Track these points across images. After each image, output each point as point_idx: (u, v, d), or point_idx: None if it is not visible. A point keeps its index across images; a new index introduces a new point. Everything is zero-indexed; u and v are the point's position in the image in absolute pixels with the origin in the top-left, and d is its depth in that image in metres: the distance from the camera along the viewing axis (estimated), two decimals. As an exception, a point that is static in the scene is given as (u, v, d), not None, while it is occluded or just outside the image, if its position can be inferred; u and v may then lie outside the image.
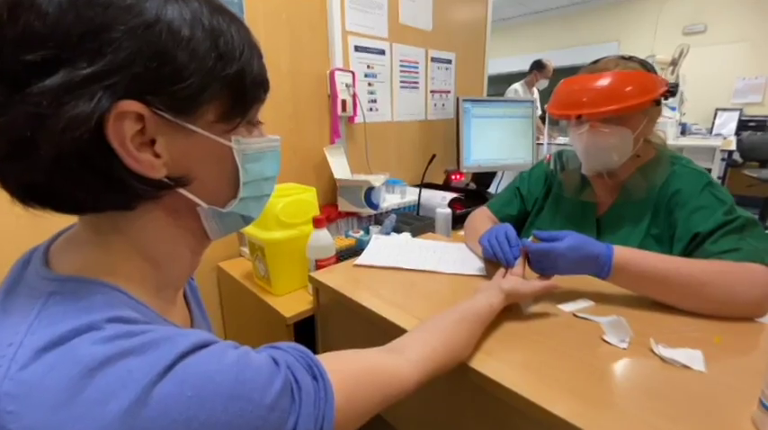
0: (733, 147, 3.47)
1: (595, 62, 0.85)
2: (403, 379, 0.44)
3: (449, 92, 1.94)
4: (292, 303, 0.93)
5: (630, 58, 0.82)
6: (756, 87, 4.21)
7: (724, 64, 4.34)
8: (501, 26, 6.02)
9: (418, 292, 0.78)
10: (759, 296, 0.63)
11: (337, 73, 1.37)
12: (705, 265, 0.65)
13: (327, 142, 1.44)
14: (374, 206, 1.37)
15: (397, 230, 1.29)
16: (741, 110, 4.26)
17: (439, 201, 1.37)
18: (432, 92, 1.84)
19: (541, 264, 0.71)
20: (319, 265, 0.92)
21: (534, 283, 0.68)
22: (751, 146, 3.51)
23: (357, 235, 1.29)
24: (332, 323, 0.89)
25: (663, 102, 0.79)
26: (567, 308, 0.69)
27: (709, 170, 3.20)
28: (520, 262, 0.74)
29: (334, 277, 0.86)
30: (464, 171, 1.86)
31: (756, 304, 0.63)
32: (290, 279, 0.96)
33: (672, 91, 0.76)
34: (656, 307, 0.68)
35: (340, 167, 1.40)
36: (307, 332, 0.94)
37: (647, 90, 0.75)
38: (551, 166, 0.95)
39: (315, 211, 0.98)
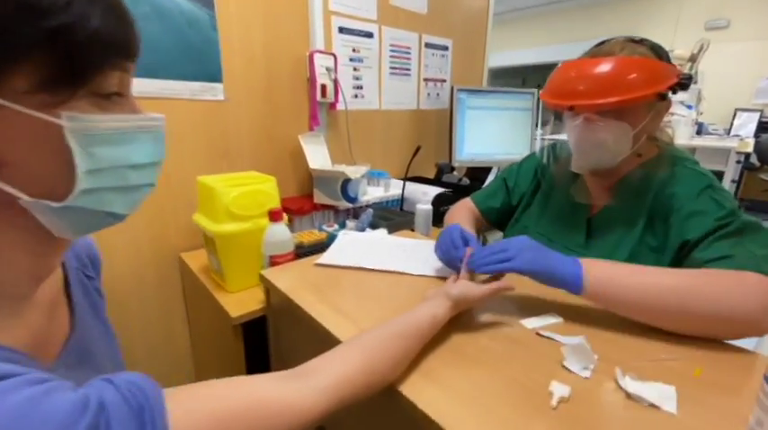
0: (750, 149, 3.29)
1: (601, 43, 0.75)
2: (301, 410, 0.37)
3: (444, 81, 1.84)
4: (244, 302, 0.87)
5: (642, 41, 0.71)
6: (780, 87, 3.98)
7: (746, 62, 4.12)
8: (514, 17, 5.82)
9: (374, 297, 0.71)
10: (753, 309, 0.52)
11: (317, 55, 1.28)
12: (688, 276, 0.57)
13: (306, 129, 1.36)
14: (351, 199, 1.29)
15: (374, 226, 1.21)
16: (762, 111, 4.05)
17: (421, 197, 1.29)
18: (425, 80, 1.74)
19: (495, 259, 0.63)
20: (274, 262, 0.85)
21: (485, 286, 0.60)
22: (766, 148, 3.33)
23: (331, 229, 1.22)
24: (284, 326, 0.82)
25: (673, 95, 0.69)
26: (531, 324, 0.61)
27: (723, 173, 3.04)
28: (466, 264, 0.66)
29: (286, 276, 0.79)
30: (456, 164, 1.77)
31: (750, 320, 0.53)
32: (244, 275, 0.89)
33: (684, 83, 0.66)
34: (637, 326, 0.59)
35: (317, 156, 1.32)
36: (260, 334, 0.87)
37: (653, 80, 0.65)
38: (544, 159, 0.85)
39: (273, 203, 0.90)
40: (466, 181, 1.85)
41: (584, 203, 0.81)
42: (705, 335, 0.55)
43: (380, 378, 0.46)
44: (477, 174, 1.86)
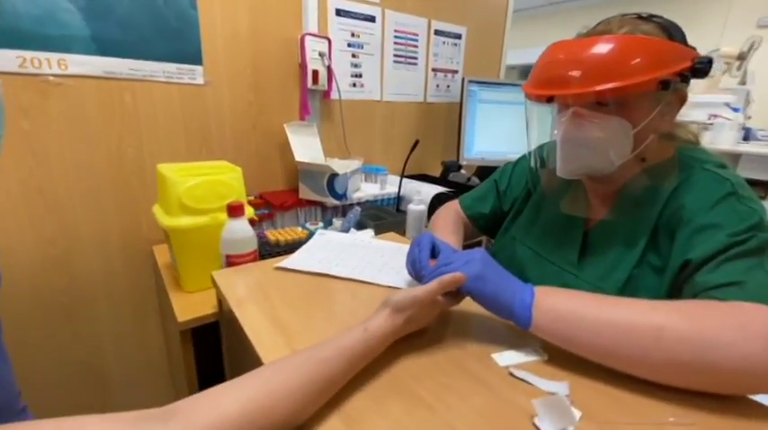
0: (804, 158, 2.96)
1: (598, 24, 0.61)
2: None
3: (456, 72, 1.70)
4: (199, 304, 0.78)
5: (650, 18, 0.57)
6: (843, 91, 3.57)
7: (805, 62, 3.72)
8: (548, 11, 5.54)
9: (330, 311, 0.61)
10: (755, 354, 0.37)
11: (308, 38, 1.18)
12: (672, 308, 0.42)
13: (296, 119, 1.27)
14: (338, 196, 1.19)
15: (361, 226, 1.11)
16: (820, 116, 3.66)
17: (414, 197, 1.17)
18: (434, 70, 1.62)
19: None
20: (231, 262, 0.76)
21: (431, 284, 0.49)
22: (828, 158, 2.98)
23: (314, 227, 1.12)
24: (237, 335, 0.73)
25: (685, 83, 0.54)
26: (504, 359, 0.49)
27: (771, 183, 2.74)
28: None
29: (238, 280, 0.70)
30: (464, 163, 1.64)
31: (749, 369, 0.38)
32: (202, 274, 0.80)
33: (700, 68, 0.51)
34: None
35: (307, 148, 1.22)
36: (215, 341, 0.78)
37: (657, 64, 0.50)
38: (531, 162, 0.72)
39: (237, 196, 0.81)
40: (475, 180, 1.71)
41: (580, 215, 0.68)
42: (692, 388, 0.41)
43: (284, 418, 0.35)
44: (488, 173, 1.71)
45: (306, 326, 0.56)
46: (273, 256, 0.82)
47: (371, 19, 1.36)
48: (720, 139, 3.33)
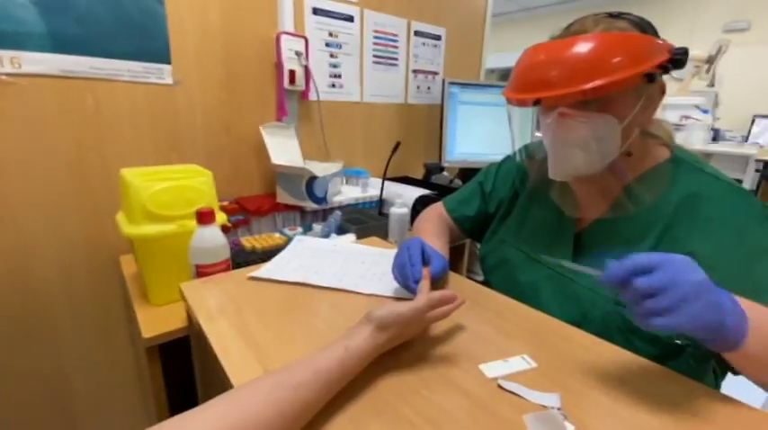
0: (769, 157, 3.09)
1: (572, 24, 0.60)
2: None
3: (436, 73, 1.69)
4: (167, 318, 0.73)
5: (620, 15, 0.56)
6: (802, 93, 3.76)
7: (767, 66, 3.90)
8: (523, 17, 5.65)
9: (306, 324, 0.57)
10: None
11: (284, 37, 1.14)
12: None
13: (273, 120, 1.22)
14: (318, 199, 1.15)
15: (342, 230, 1.07)
16: (782, 117, 3.83)
17: (396, 200, 1.14)
18: (414, 72, 1.60)
19: (645, 308, 0.37)
20: (201, 273, 0.71)
21: (419, 299, 0.46)
22: (791, 157, 3.12)
23: (292, 232, 1.08)
24: (206, 352, 0.68)
25: (665, 75, 0.54)
26: (492, 370, 0.46)
27: (740, 181, 2.85)
28: (424, 286, 0.53)
29: (209, 292, 0.65)
30: (446, 165, 1.62)
31: None
32: (170, 286, 0.75)
33: (678, 59, 0.51)
34: (635, 379, 0.45)
35: (284, 150, 1.18)
36: (186, 357, 0.73)
37: (639, 58, 0.50)
38: (518, 159, 0.71)
39: (207, 201, 0.76)
40: (458, 182, 1.70)
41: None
42: None
43: None
44: (470, 175, 1.70)
45: (280, 342, 0.51)
46: (249, 265, 0.77)
47: (350, 18, 1.33)
48: (692, 140, 3.45)
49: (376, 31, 1.42)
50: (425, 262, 0.59)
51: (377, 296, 0.64)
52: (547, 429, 0.36)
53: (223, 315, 0.58)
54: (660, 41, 0.53)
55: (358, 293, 0.65)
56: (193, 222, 0.72)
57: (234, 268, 0.75)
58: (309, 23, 1.23)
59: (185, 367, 0.74)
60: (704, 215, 0.54)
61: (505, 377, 0.45)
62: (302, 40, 1.18)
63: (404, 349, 0.48)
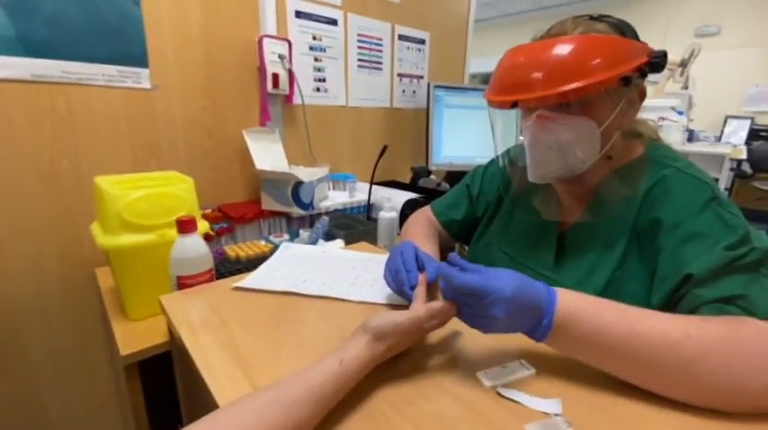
0: (743, 155, 3.21)
1: (552, 27, 0.60)
2: None
3: (421, 77, 1.69)
4: (148, 333, 0.69)
5: (600, 18, 0.57)
6: (770, 95, 3.92)
7: (736, 69, 4.06)
8: (503, 22, 5.75)
9: (296, 336, 0.54)
10: None
11: (267, 40, 1.12)
12: (695, 328, 0.41)
13: (257, 125, 1.19)
14: (305, 205, 1.12)
15: (330, 236, 1.05)
16: (752, 118, 3.99)
17: (385, 204, 1.12)
18: (399, 75, 1.59)
19: (469, 312, 0.45)
20: (182, 284, 0.68)
21: (418, 309, 0.44)
22: (762, 156, 3.24)
23: (278, 240, 1.05)
24: (190, 368, 0.65)
25: (643, 78, 0.54)
26: (490, 379, 0.45)
27: (717, 180, 2.94)
28: (420, 292, 0.51)
29: (191, 304, 0.62)
30: (433, 168, 1.62)
31: None
32: (150, 299, 0.71)
33: (656, 62, 0.52)
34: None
35: (269, 156, 1.15)
36: (168, 374, 0.69)
37: (617, 61, 0.50)
38: (500, 164, 0.71)
39: (188, 209, 0.73)
40: (445, 185, 1.69)
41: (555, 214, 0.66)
42: (710, 406, 0.40)
43: None
44: (457, 178, 1.70)
45: (269, 356, 0.49)
46: (234, 274, 0.74)
47: (333, 22, 1.32)
48: (668, 141, 3.54)
49: (360, 35, 1.41)
50: (420, 267, 0.58)
51: (369, 303, 0.62)
52: (551, 438, 0.34)
53: (207, 328, 0.55)
54: (639, 44, 0.53)
55: (349, 301, 0.63)
56: (174, 231, 0.69)
57: (218, 278, 0.72)
58: (292, 27, 1.21)
59: (167, 385, 0.70)
60: (660, 206, 0.54)
61: (504, 384, 0.44)
62: (285, 44, 1.16)
63: (399, 358, 0.46)
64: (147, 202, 0.68)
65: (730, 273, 0.45)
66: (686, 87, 4.07)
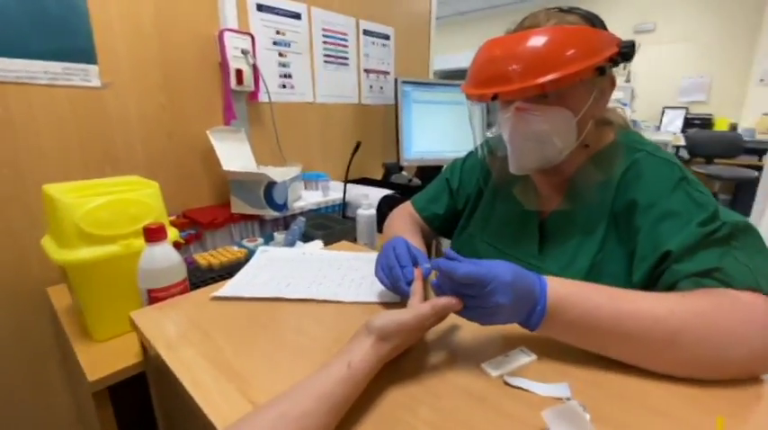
0: (682, 142, 3.48)
1: (525, 19, 0.61)
2: None
3: (387, 73, 1.67)
4: (116, 354, 0.63)
5: (571, 10, 0.58)
6: (701, 86, 4.28)
7: (671, 63, 4.40)
8: (458, 20, 5.87)
9: (288, 343, 0.51)
10: (757, 349, 0.41)
11: (228, 34, 1.06)
12: (677, 303, 0.43)
13: (221, 124, 1.13)
14: (278, 206, 1.07)
15: (308, 238, 1.01)
16: (687, 108, 4.34)
17: (362, 201, 1.10)
18: (366, 71, 1.57)
19: (471, 307, 0.44)
20: (154, 298, 0.62)
21: (421, 305, 0.43)
22: (697, 142, 3.54)
23: (252, 244, 1.00)
24: (172, 388, 0.60)
25: (615, 68, 0.56)
26: (495, 368, 0.44)
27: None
28: (417, 287, 0.50)
29: (165, 318, 0.57)
30: (405, 164, 1.61)
31: (752, 360, 0.41)
32: (117, 317, 0.65)
33: (626, 52, 0.54)
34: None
35: (235, 156, 1.09)
36: (144, 397, 0.64)
37: (591, 52, 0.51)
38: (479, 155, 0.71)
39: (156, 216, 0.67)
40: (416, 181, 1.69)
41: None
42: (695, 377, 0.42)
43: None
44: (428, 173, 1.71)
45: (264, 368, 0.46)
46: (208, 284, 0.70)
47: (297, 16, 1.27)
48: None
49: (325, 30, 1.37)
50: (413, 262, 0.56)
51: (362, 303, 0.60)
52: (568, 423, 0.34)
53: (188, 342, 0.50)
54: (609, 35, 0.55)
55: (339, 302, 0.60)
56: (140, 241, 0.63)
57: (190, 289, 0.67)
58: (254, 20, 1.15)
59: (142, 409, 0.64)
60: (634, 189, 0.56)
61: (510, 373, 0.44)
62: (248, 38, 1.10)
63: (401, 358, 0.45)
64: (109, 210, 0.61)
65: (705, 248, 0.47)
66: (629, 81, 4.36)
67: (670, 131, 4.20)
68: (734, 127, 3.98)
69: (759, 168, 3.05)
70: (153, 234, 0.61)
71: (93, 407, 0.59)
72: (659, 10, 4.43)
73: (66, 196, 0.60)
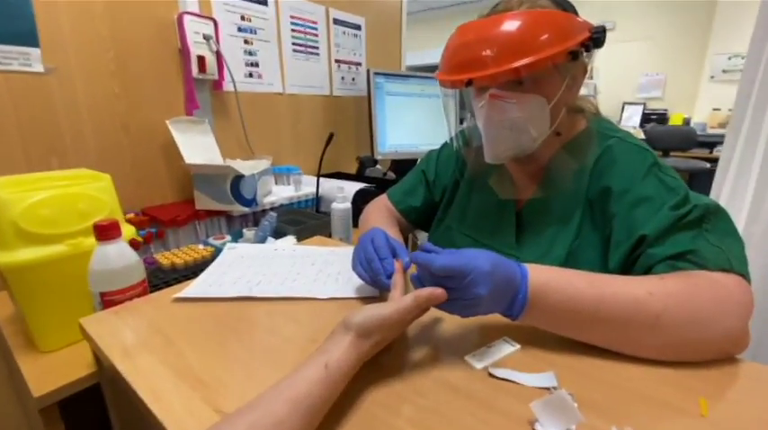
0: (642, 136, 3.64)
1: (498, 4, 0.59)
2: None
3: (359, 64, 1.64)
4: (66, 366, 0.57)
5: None
6: (658, 83, 4.51)
7: (630, 60, 4.59)
8: (429, 16, 5.88)
9: (263, 346, 0.47)
10: (734, 327, 0.42)
11: (188, 18, 0.99)
12: (655, 286, 0.43)
13: (182, 114, 1.06)
14: (247, 202, 1.02)
15: (280, 233, 0.97)
16: (644, 104, 4.56)
17: (337, 194, 1.07)
18: (337, 62, 1.52)
19: (451, 299, 0.42)
20: (108, 302, 0.57)
21: (403, 299, 0.41)
22: (655, 136, 3.72)
23: (219, 242, 0.94)
24: (129, 399, 0.55)
25: (587, 53, 0.55)
26: (479, 361, 0.43)
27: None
28: (398, 280, 0.48)
29: (121, 324, 0.52)
30: (379, 157, 1.58)
31: (729, 339, 0.42)
32: (66, 324, 0.58)
33: (597, 38, 0.53)
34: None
35: (198, 149, 1.03)
36: (100, 411, 0.58)
37: (563, 36, 0.51)
38: (455, 146, 0.70)
39: (108, 212, 0.61)
40: (391, 175, 1.67)
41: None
42: (675, 359, 0.42)
43: None
44: (403, 167, 1.69)
45: (232, 373, 0.42)
46: (171, 285, 0.65)
47: (263, 2, 1.21)
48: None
49: (293, 17, 1.31)
50: (393, 254, 0.54)
51: (338, 299, 0.57)
52: (557, 412, 0.33)
53: (147, 349, 0.46)
54: (580, 20, 0.55)
55: (315, 299, 0.57)
56: (91, 239, 0.57)
57: (151, 291, 0.62)
58: (217, 4, 1.09)
59: (97, 424, 0.58)
60: (608, 175, 0.56)
61: (494, 364, 0.42)
62: (210, 23, 1.04)
63: (381, 354, 0.42)
64: (52, 206, 0.55)
65: (678, 231, 0.48)
66: (591, 77, 4.53)
67: (629, 126, 4.39)
68: (687, 121, 4.22)
69: (710, 160, 3.24)
70: (105, 231, 0.55)
71: (42, 425, 0.53)
72: (619, 9, 4.60)
73: (2, 191, 0.54)
